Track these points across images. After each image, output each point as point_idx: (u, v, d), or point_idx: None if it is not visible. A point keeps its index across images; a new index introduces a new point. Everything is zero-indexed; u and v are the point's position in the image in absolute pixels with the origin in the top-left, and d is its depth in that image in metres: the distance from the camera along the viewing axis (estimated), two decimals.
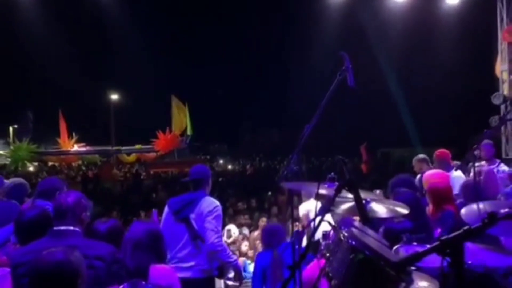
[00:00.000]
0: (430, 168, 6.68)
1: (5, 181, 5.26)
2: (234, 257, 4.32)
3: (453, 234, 1.28)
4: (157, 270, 2.84)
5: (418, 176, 6.98)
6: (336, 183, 2.39)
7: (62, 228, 2.61)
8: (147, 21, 23.72)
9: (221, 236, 4.20)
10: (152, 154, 27.02)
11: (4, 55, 24.38)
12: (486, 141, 5.70)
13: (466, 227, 1.30)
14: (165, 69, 28.62)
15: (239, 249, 7.89)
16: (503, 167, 5.97)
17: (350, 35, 19.94)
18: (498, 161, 6.13)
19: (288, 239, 4.08)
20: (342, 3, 12.30)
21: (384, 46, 19.64)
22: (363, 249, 1.79)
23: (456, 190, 5.18)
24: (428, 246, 3.33)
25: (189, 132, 24.64)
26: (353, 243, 1.82)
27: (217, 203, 4.20)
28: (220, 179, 19.96)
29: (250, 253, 7.71)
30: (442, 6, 11.71)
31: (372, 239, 2.11)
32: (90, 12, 19.74)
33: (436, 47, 18.59)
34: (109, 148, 29.06)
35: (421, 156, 7.06)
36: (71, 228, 2.62)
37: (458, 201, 4.47)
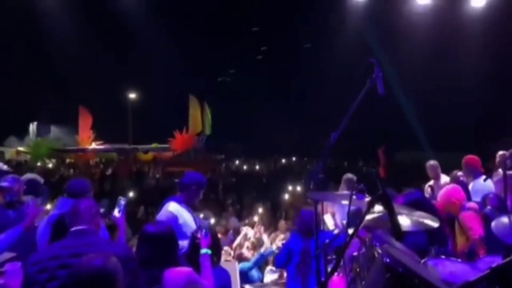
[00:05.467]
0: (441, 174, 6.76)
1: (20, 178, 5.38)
2: None
3: (502, 262, 1.21)
4: (171, 273, 2.89)
5: (432, 182, 6.96)
6: (366, 196, 2.33)
7: (80, 227, 2.87)
8: (166, 20, 23.76)
9: None
10: (169, 153, 27.17)
11: (23, 51, 24.72)
12: None
13: None
14: (183, 69, 28.64)
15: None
16: None
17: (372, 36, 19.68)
18: None
19: None
20: (365, 2, 12.17)
21: (406, 47, 19.33)
22: (398, 267, 1.73)
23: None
24: (455, 260, 3.25)
25: (208, 132, 24.71)
26: (388, 260, 1.76)
27: (167, 212, 4.11)
28: (234, 179, 20.00)
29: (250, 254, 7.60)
30: (467, 8, 11.50)
31: (404, 254, 2.05)
32: (110, 10, 19.92)
33: (461, 50, 18.18)
34: (126, 146, 29.36)
35: (433, 162, 7.12)
36: (87, 227, 2.87)
37: (487, 208, 4.43)
